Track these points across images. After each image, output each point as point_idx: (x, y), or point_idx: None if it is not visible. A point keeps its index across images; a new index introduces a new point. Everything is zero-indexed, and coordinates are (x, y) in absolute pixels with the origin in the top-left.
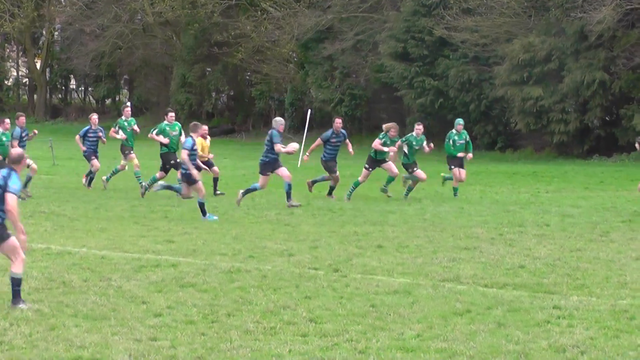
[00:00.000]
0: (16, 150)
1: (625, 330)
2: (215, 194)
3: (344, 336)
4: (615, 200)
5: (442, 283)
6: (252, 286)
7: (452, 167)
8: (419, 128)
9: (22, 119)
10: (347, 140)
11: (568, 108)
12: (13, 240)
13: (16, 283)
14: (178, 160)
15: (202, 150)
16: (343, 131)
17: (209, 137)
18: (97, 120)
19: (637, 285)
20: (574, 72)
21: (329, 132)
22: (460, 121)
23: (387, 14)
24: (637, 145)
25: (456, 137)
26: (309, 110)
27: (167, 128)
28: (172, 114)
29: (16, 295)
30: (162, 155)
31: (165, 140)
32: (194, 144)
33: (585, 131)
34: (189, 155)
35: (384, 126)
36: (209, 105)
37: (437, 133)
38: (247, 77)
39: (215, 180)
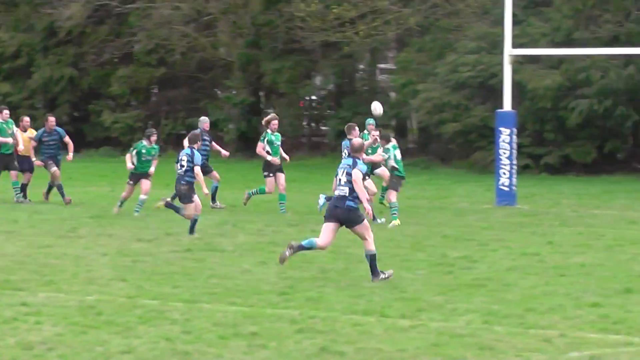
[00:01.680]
0: (358, 141)
1: (92, 326)
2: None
3: None
4: (84, 196)
5: None
6: None
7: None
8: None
9: None
10: (67, 138)
11: (37, 104)
12: (366, 222)
13: (372, 259)
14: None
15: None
16: (57, 129)
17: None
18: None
19: (104, 281)
20: (43, 68)
21: (40, 131)
22: (370, 121)
23: None
24: None
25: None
26: None
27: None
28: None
29: (374, 270)
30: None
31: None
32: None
33: None
34: None
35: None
36: None
37: None
38: None
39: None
